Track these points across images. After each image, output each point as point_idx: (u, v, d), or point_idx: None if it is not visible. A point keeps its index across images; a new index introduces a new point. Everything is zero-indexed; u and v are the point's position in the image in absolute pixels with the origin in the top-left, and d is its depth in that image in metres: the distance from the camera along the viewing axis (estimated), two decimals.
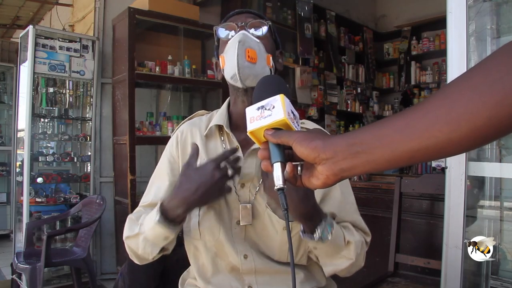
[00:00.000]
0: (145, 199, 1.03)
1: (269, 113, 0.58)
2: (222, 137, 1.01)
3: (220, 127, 1.01)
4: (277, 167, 0.57)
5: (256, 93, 0.66)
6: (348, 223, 0.97)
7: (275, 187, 0.57)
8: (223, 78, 0.99)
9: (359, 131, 0.51)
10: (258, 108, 0.60)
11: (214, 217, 0.95)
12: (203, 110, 1.14)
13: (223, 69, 0.97)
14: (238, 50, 0.90)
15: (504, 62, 0.39)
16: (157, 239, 0.87)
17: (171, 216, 0.85)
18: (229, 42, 0.95)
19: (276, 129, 0.58)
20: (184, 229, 1.01)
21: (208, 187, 0.82)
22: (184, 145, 1.03)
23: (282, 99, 0.58)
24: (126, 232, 0.95)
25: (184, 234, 1.02)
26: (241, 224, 0.94)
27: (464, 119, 0.41)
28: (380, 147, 0.47)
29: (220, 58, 0.99)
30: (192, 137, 1.03)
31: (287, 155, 0.57)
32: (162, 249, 0.92)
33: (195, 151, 0.87)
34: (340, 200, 0.98)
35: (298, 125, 0.60)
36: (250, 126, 0.60)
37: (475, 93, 0.40)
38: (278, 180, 0.57)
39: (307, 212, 0.79)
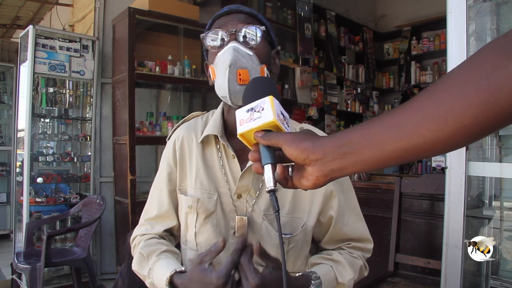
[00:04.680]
0: (149, 213, 1.02)
1: (259, 115, 0.58)
2: (218, 145, 0.96)
3: (216, 138, 0.96)
4: (267, 169, 0.57)
5: (246, 94, 0.65)
6: (343, 248, 0.97)
7: (266, 189, 0.57)
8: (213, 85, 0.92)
9: (348, 131, 0.51)
10: (248, 111, 0.60)
11: (211, 229, 0.93)
12: (198, 112, 1.07)
13: (213, 81, 0.91)
14: (229, 75, 0.83)
15: (490, 59, 0.39)
16: None
17: None
18: (219, 56, 0.87)
19: (266, 131, 0.58)
20: (181, 238, 1.00)
21: None
22: (181, 151, 0.98)
23: (271, 101, 0.58)
24: (135, 265, 0.95)
25: (181, 242, 1.00)
26: (236, 236, 0.92)
27: (451, 117, 0.41)
28: (369, 147, 0.47)
29: (210, 69, 0.92)
30: (188, 143, 0.98)
31: (278, 156, 0.57)
32: None
33: (216, 249, 0.78)
34: (337, 209, 0.94)
35: (288, 127, 0.60)
36: (240, 129, 0.59)
37: (461, 91, 0.40)
38: (269, 182, 0.57)
39: None
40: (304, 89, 4.14)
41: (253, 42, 0.88)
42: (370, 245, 1.00)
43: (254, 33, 0.88)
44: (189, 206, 0.95)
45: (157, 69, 3.11)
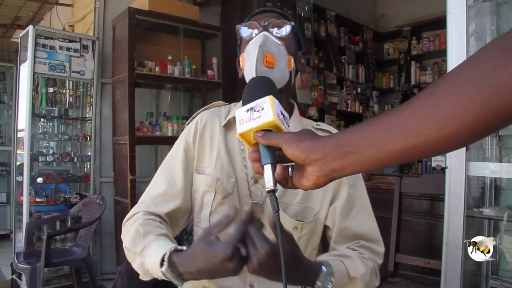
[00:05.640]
0: (156, 189, 0.97)
1: (259, 115, 0.58)
2: None
3: None
4: (267, 169, 0.57)
5: (246, 94, 0.66)
6: (353, 248, 0.94)
7: (266, 189, 0.57)
8: (243, 76, 0.98)
9: (348, 131, 0.50)
10: (248, 110, 0.59)
11: (227, 210, 0.94)
12: (221, 101, 1.12)
13: (242, 69, 0.97)
14: (257, 55, 0.89)
15: (491, 58, 0.39)
16: (154, 271, 0.79)
17: (179, 272, 0.75)
18: (250, 43, 0.94)
19: (266, 130, 0.57)
20: (194, 219, 1.00)
21: (215, 274, 0.71)
22: (202, 132, 1.00)
23: (271, 101, 0.58)
24: (127, 242, 0.87)
25: (194, 224, 1.01)
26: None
27: (451, 117, 0.41)
28: (369, 146, 0.47)
29: (241, 57, 0.99)
30: (211, 126, 1.01)
31: (278, 156, 0.57)
32: None
33: (227, 220, 0.71)
34: (344, 202, 0.96)
35: (288, 126, 0.60)
36: (240, 128, 0.59)
37: (462, 91, 0.40)
38: (268, 182, 0.56)
39: (296, 278, 0.73)
40: (304, 89, 4.14)
41: (282, 34, 0.96)
42: (381, 249, 0.97)
43: (283, 27, 0.97)
44: (207, 184, 0.96)
45: (157, 69, 3.11)
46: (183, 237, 1.71)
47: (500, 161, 1.61)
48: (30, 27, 2.93)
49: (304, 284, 0.76)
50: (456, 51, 1.47)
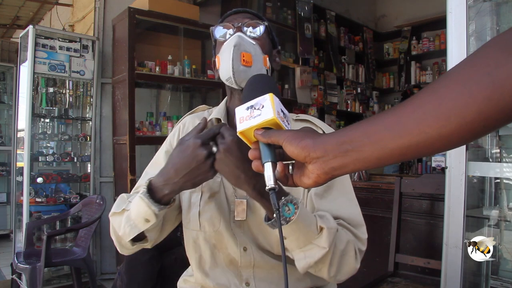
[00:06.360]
0: (138, 188, 1.01)
1: (259, 113, 0.57)
2: None
3: (218, 121, 1.02)
4: (268, 167, 0.57)
5: (246, 92, 0.66)
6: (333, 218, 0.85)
7: (267, 187, 0.57)
8: (219, 78, 1.00)
9: (349, 129, 0.50)
10: (248, 108, 0.59)
11: (215, 208, 0.94)
12: (204, 105, 1.15)
13: (218, 70, 0.98)
14: (233, 54, 0.90)
15: (493, 56, 0.39)
16: (139, 219, 0.82)
17: (157, 196, 0.80)
18: (224, 44, 0.95)
19: (266, 128, 0.57)
20: (183, 221, 1.00)
21: (190, 169, 0.74)
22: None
23: (271, 98, 0.58)
24: (113, 209, 0.91)
25: (183, 226, 1.01)
26: (236, 219, 0.94)
27: (453, 114, 0.41)
28: (370, 144, 0.47)
29: (216, 58, 1.00)
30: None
31: (278, 154, 0.57)
32: (140, 239, 0.89)
33: (201, 125, 0.78)
34: (323, 187, 0.89)
35: (289, 124, 0.59)
36: (240, 126, 0.59)
37: (464, 88, 0.40)
38: (269, 180, 0.56)
39: (248, 182, 0.73)
40: (304, 89, 4.14)
41: (256, 34, 0.97)
42: (363, 235, 0.87)
43: (257, 27, 0.98)
44: None
45: (157, 69, 3.11)
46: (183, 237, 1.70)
47: (500, 161, 1.61)
48: (30, 27, 2.93)
49: (261, 193, 0.74)
50: (456, 51, 1.47)
